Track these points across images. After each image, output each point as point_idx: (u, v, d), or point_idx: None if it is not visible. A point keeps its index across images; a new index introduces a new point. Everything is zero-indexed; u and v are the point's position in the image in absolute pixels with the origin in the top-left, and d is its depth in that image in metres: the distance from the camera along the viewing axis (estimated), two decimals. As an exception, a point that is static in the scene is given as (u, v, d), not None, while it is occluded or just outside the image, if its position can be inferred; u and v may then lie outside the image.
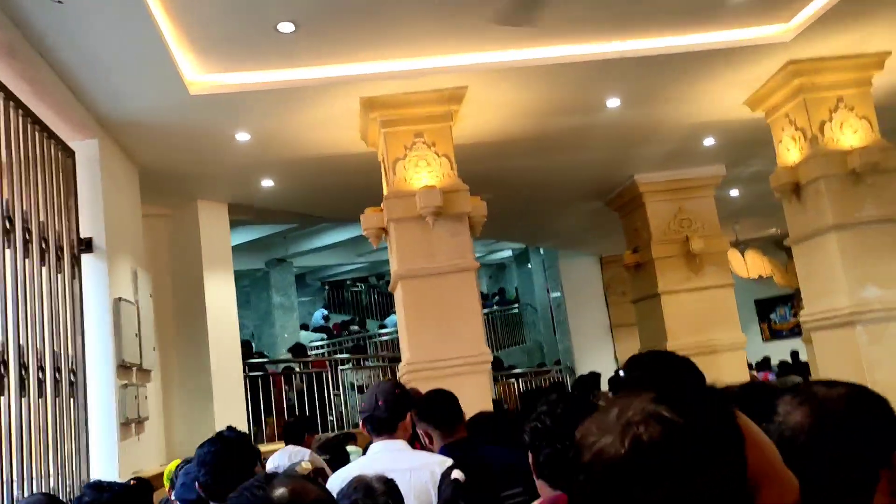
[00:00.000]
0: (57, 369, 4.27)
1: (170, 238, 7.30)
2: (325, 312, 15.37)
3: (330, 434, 7.42)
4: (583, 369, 11.45)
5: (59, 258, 4.50)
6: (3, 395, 3.63)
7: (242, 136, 5.77)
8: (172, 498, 3.07)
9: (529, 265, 15.22)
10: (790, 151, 5.87)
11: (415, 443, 2.89)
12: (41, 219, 4.27)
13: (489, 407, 4.81)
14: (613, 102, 5.93)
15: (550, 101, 5.74)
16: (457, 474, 2.32)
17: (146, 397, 5.45)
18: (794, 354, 11.77)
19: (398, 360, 6.48)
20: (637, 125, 6.50)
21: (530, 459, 1.71)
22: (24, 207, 4.06)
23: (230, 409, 6.98)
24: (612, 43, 5.08)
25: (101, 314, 4.95)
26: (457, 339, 5.23)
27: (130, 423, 5.11)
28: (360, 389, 9.50)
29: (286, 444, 5.42)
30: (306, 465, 3.48)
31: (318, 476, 3.65)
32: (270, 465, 4.71)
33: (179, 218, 7.31)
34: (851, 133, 5.59)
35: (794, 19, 5.09)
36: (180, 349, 7.06)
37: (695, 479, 0.71)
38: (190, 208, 7.24)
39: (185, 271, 7.21)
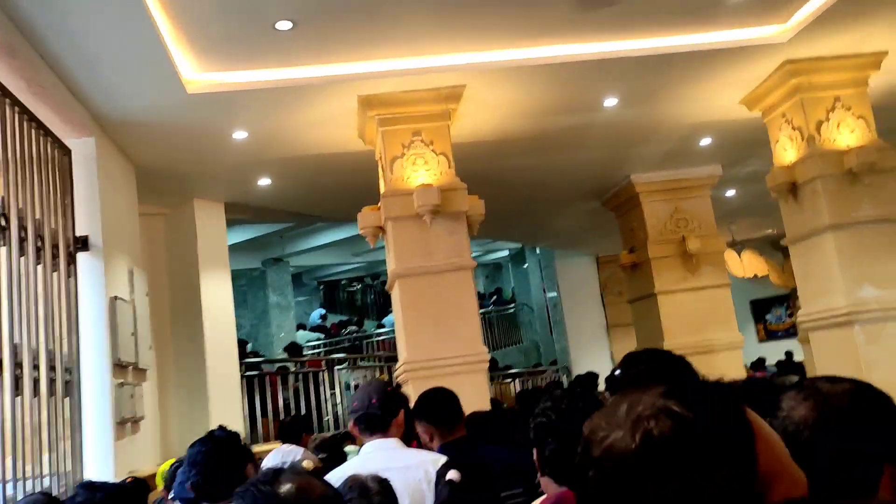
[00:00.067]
0: (52, 368, 4.25)
1: (166, 237, 7.28)
2: (323, 312, 15.35)
3: (327, 434, 7.41)
4: (579, 369, 11.45)
5: (54, 256, 4.48)
6: (-1, 393, 3.62)
7: (240, 135, 5.75)
8: (170, 497, 3.06)
9: (526, 265, 15.21)
10: (787, 151, 5.88)
11: (411, 441, 2.89)
12: (37, 217, 4.25)
13: (487, 406, 4.80)
14: (610, 102, 5.93)
15: (548, 100, 5.74)
16: (452, 475, 2.31)
17: (142, 396, 5.43)
18: (789, 355, 11.80)
19: (395, 359, 6.47)
20: (634, 125, 6.51)
21: (535, 455, 1.70)
22: (20, 205, 4.04)
23: (226, 408, 6.96)
24: (609, 42, 5.08)
25: (97, 313, 4.92)
26: (454, 338, 5.23)
27: (126, 423, 5.08)
28: (356, 389, 9.48)
29: (282, 444, 5.42)
30: (309, 464, 3.47)
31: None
32: (265, 465, 4.69)
33: (176, 217, 7.29)
34: (848, 133, 5.60)
35: (792, 19, 5.10)
36: (176, 348, 7.04)
37: (706, 473, 0.71)
38: (186, 207, 7.22)
39: (181, 270, 7.19)
